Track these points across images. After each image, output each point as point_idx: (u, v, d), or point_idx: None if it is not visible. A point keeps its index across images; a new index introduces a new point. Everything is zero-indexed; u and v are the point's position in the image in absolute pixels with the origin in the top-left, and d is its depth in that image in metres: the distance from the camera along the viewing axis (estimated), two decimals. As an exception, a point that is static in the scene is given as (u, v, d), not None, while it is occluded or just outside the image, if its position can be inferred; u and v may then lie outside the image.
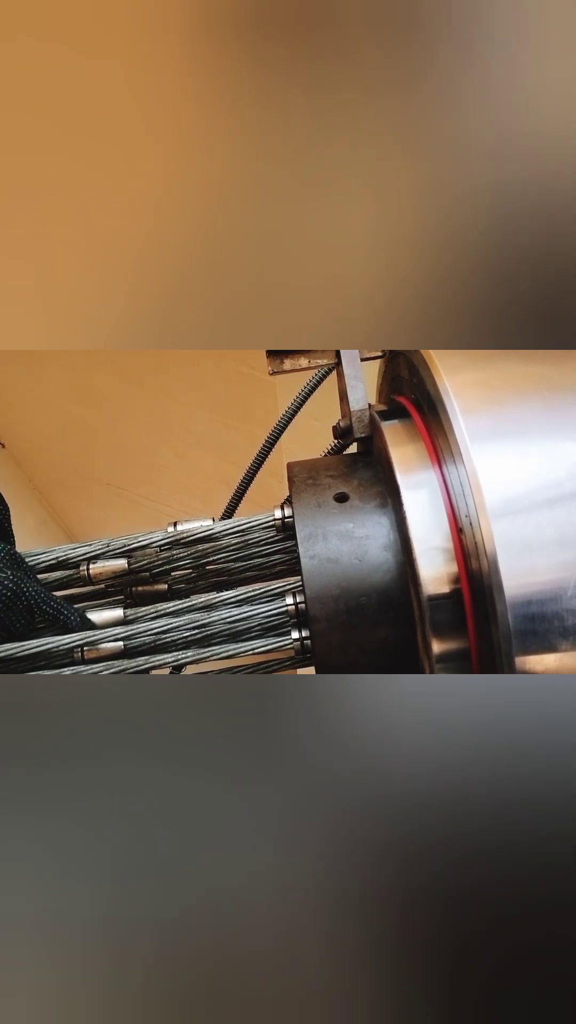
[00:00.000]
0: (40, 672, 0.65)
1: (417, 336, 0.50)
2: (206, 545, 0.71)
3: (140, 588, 0.73)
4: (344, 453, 0.76)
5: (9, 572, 0.62)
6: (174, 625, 0.65)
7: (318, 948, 0.43)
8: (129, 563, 0.69)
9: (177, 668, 0.78)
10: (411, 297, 0.48)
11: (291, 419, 0.87)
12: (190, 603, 0.67)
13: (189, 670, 0.76)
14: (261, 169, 0.46)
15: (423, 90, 0.45)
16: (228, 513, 0.95)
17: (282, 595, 0.66)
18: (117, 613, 0.67)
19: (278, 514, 0.68)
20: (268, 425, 0.90)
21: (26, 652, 0.64)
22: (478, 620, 0.52)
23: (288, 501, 0.67)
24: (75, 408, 2.80)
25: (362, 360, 0.72)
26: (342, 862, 0.43)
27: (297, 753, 0.45)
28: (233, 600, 0.67)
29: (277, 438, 0.90)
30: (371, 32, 0.44)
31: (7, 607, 0.62)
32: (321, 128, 0.46)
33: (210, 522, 0.70)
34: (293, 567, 0.73)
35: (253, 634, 0.66)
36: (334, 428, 0.74)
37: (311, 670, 0.62)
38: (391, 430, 0.63)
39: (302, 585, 0.59)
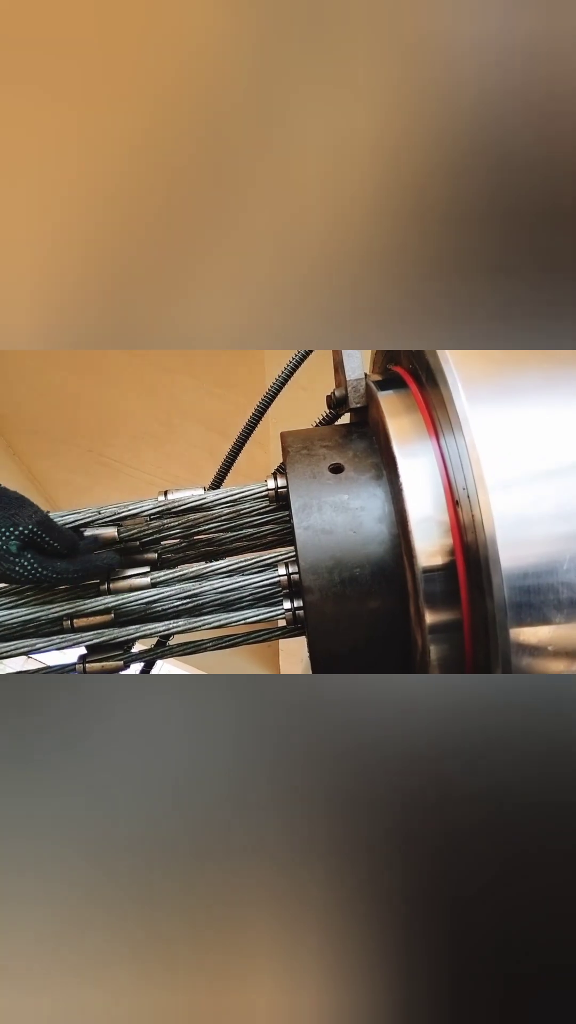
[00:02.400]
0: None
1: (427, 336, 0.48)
2: (197, 515, 0.70)
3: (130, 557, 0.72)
4: (338, 423, 0.75)
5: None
6: (165, 594, 0.65)
7: (317, 940, 0.43)
8: (119, 532, 0.68)
9: (166, 637, 0.78)
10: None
11: (282, 387, 0.85)
12: (181, 572, 0.67)
13: (179, 639, 0.76)
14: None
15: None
16: (216, 483, 0.93)
17: (274, 566, 0.66)
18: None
19: (271, 484, 0.67)
20: (254, 394, 0.88)
21: (14, 620, 0.64)
22: (472, 592, 0.52)
23: (281, 471, 0.66)
24: (58, 373, 2.74)
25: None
26: (341, 860, 0.43)
27: (292, 752, 0.45)
28: (225, 570, 0.66)
29: (267, 406, 0.88)
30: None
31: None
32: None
33: (201, 491, 0.69)
34: (284, 538, 0.72)
35: (244, 604, 0.66)
36: (328, 398, 0.72)
37: (303, 640, 0.62)
38: (387, 400, 0.62)
39: (295, 556, 0.58)
